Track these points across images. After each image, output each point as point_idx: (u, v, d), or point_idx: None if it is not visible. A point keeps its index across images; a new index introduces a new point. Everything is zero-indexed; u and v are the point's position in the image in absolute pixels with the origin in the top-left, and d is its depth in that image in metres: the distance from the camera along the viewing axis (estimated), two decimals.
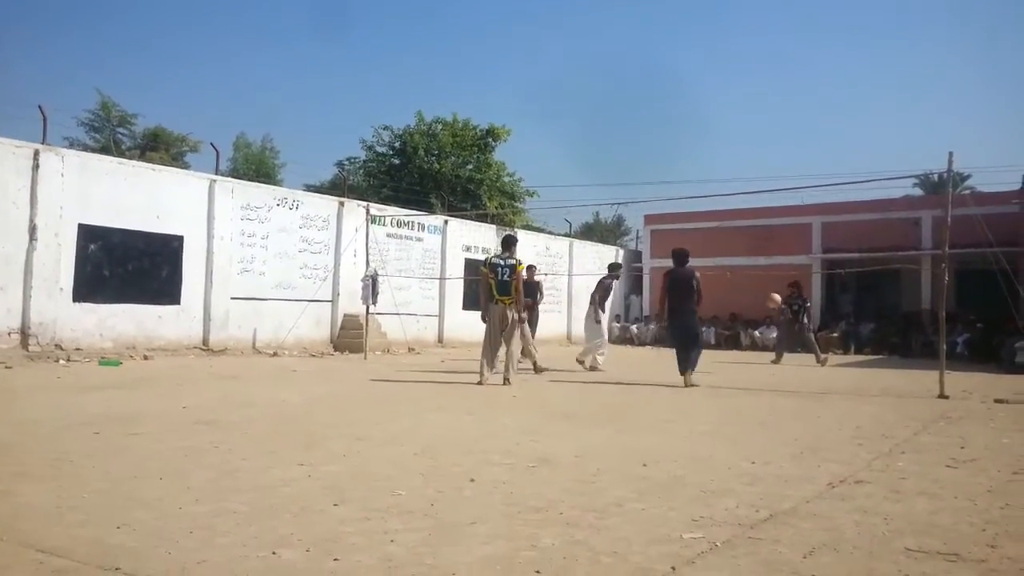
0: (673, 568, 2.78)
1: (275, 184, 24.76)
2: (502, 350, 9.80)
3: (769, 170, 73.89)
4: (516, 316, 9.74)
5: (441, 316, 19.06)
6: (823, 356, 15.05)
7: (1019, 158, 69.90)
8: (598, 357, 12.57)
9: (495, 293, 9.67)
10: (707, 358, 12.11)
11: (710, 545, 3.05)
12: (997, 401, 8.67)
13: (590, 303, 13.17)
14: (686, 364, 9.96)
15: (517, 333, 9.84)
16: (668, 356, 12.63)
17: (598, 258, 25.04)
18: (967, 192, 26.06)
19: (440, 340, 18.89)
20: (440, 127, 25.84)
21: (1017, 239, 15.79)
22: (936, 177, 30.08)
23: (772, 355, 15.97)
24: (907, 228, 21.09)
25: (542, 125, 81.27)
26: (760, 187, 50.10)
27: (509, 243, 10.08)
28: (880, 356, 18.71)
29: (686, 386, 9.71)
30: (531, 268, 12.98)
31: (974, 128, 72.31)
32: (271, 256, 15.19)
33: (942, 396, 8.87)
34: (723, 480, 4.28)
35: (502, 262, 9.77)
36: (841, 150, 72.50)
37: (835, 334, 20.65)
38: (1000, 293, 11.16)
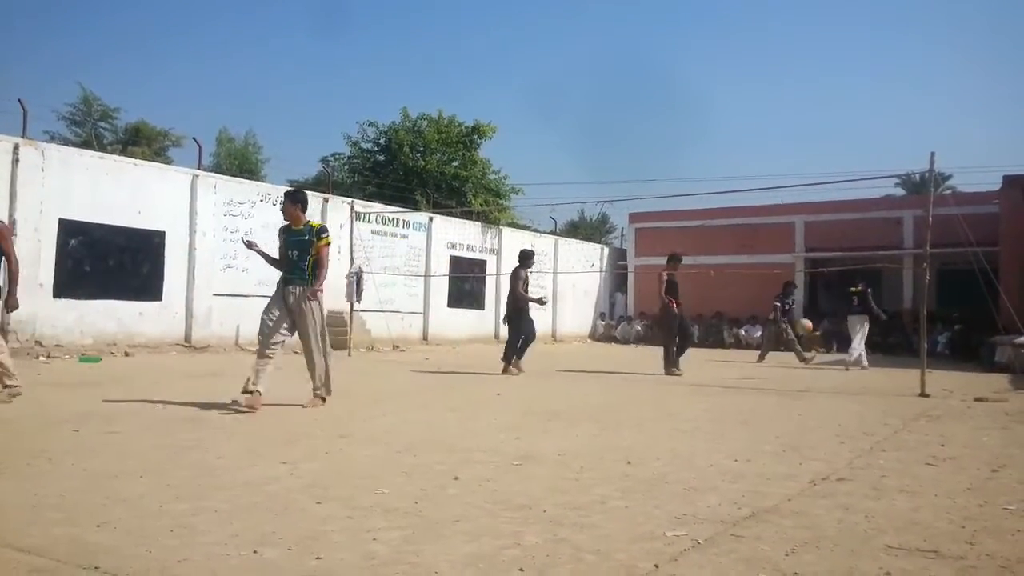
0: (656, 566, 2.79)
1: (258, 180, 24.61)
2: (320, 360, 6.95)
3: (754, 168, 74.30)
4: (315, 311, 6.86)
5: (426, 313, 19.02)
6: (808, 356, 15.17)
7: (999, 159, 70.69)
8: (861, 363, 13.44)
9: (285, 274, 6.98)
10: (691, 356, 12.16)
11: (693, 543, 3.06)
12: (977, 400, 8.77)
13: (865, 307, 13.83)
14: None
15: (318, 337, 6.91)
16: (654, 354, 12.69)
17: (583, 256, 25.10)
18: (948, 192, 26.32)
19: (425, 337, 18.86)
20: (425, 124, 25.73)
21: (997, 239, 15.94)
22: (918, 177, 30.33)
23: (756, 353, 16.06)
24: (889, 228, 21.27)
25: (529, 121, 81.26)
26: (744, 186, 50.35)
27: (295, 200, 7.01)
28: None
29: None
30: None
31: (955, 129, 73.05)
32: (254, 252, 15.05)
33: (923, 394, 8.95)
34: (706, 478, 4.29)
35: (289, 235, 7.00)
36: (824, 150, 73.01)
37: (817, 333, 20.78)
38: (980, 292, 11.28)
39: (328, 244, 6.96)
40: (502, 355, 11.03)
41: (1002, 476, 4.57)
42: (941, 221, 10.54)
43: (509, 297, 11.42)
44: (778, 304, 15.62)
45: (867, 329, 13.81)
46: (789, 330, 15.61)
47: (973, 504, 3.82)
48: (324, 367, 6.93)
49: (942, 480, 4.38)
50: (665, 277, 11.78)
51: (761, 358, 15.40)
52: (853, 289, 14.24)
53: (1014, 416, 7.45)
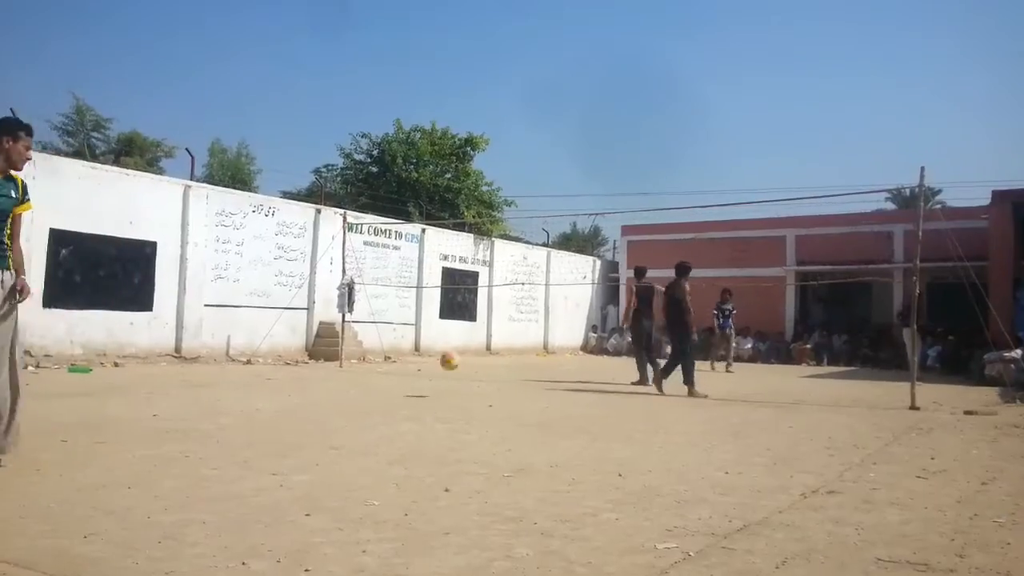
0: None
1: (251, 191, 24.60)
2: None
3: (748, 180, 74.67)
4: (16, 312, 4.53)
5: (418, 325, 19.00)
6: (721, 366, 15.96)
7: (989, 174, 71.25)
8: None
9: None
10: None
11: (684, 555, 3.06)
12: (967, 413, 8.80)
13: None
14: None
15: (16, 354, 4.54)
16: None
17: (575, 268, 25.12)
18: (938, 207, 26.47)
19: (417, 348, 18.83)
20: (419, 135, 25.81)
21: (986, 253, 16.03)
22: (908, 192, 30.55)
23: (746, 365, 16.22)
24: (879, 241, 21.39)
25: (523, 132, 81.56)
26: (736, 200, 50.64)
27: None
28: (852, 368, 18.92)
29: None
30: None
31: (945, 143, 73.59)
32: (246, 263, 15.06)
33: (913, 408, 8.97)
34: (697, 490, 4.29)
35: None
36: (815, 165, 73.42)
37: (808, 346, 20.87)
38: (970, 306, 11.33)
39: (30, 209, 4.80)
40: (660, 369, 10.51)
41: (992, 489, 4.58)
42: (931, 235, 10.60)
43: (675, 310, 10.58)
44: (715, 312, 16.45)
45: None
46: (721, 337, 16.50)
47: (963, 517, 3.83)
48: (18, 401, 4.52)
49: (932, 493, 4.39)
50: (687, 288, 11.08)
51: (728, 367, 16.00)
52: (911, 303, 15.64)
53: (1003, 429, 7.48)
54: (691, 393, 10.01)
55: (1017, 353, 12.61)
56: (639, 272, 12.41)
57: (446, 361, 10.11)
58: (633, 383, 11.58)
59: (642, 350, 11.95)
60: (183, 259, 14.01)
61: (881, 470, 5.09)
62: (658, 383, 10.32)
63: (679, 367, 10.34)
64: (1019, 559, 3.13)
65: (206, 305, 14.34)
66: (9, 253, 4.60)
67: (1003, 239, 16.10)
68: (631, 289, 12.16)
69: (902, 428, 7.35)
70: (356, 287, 15.10)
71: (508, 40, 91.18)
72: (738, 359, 20.71)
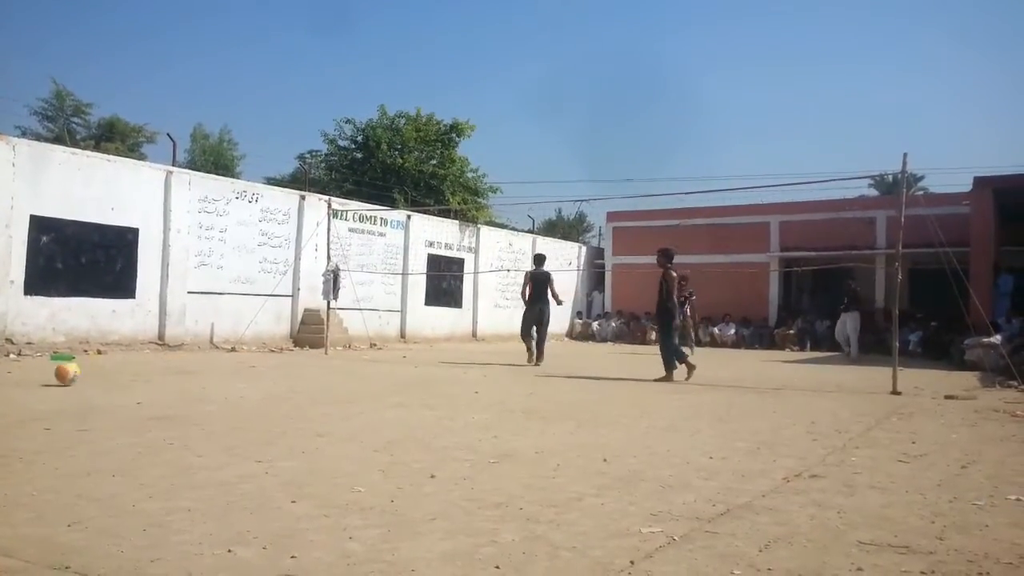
0: (632, 562, 2.81)
1: (234, 176, 24.42)
2: None
3: (734, 166, 74.78)
4: None
5: (403, 311, 18.97)
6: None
7: (970, 160, 71.78)
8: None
9: None
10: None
11: (668, 539, 3.08)
12: (947, 397, 8.90)
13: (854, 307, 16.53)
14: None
15: None
16: (628, 352, 12.71)
17: (561, 255, 25.14)
18: (920, 193, 26.68)
19: (402, 335, 18.81)
20: (403, 121, 25.66)
21: (967, 239, 16.17)
22: (890, 178, 30.74)
23: (731, 351, 16.24)
24: (862, 228, 21.54)
25: (509, 118, 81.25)
26: (720, 186, 50.79)
27: None
28: (835, 353, 19.05)
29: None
30: None
31: (928, 130, 73.97)
32: (229, 250, 14.94)
33: (895, 392, 9.07)
34: (681, 475, 4.33)
35: None
36: (798, 151, 73.67)
37: (791, 331, 21.02)
38: (951, 292, 11.44)
39: None
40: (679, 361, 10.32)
41: (971, 472, 4.65)
42: (913, 222, 10.67)
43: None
44: (683, 299, 16.15)
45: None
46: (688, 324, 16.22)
47: (943, 500, 3.88)
48: None
49: (913, 476, 4.44)
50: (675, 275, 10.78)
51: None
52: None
53: (983, 413, 7.58)
54: (665, 378, 10.21)
55: (996, 338, 12.75)
56: (538, 259, 13.47)
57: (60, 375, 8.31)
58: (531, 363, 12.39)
59: (531, 331, 12.74)
60: (166, 246, 13.89)
61: (863, 454, 5.15)
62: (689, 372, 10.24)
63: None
64: (997, 541, 3.18)
65: (189, 292, 14.24)
66: None
67: (984, 225, 16.25)
68: (527, 276, 13.14)
69: (884, 412, 7.43)
70: (341, 274, 15.04)
71: (498, 32, 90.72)
72: (722, 345, 20.92)
